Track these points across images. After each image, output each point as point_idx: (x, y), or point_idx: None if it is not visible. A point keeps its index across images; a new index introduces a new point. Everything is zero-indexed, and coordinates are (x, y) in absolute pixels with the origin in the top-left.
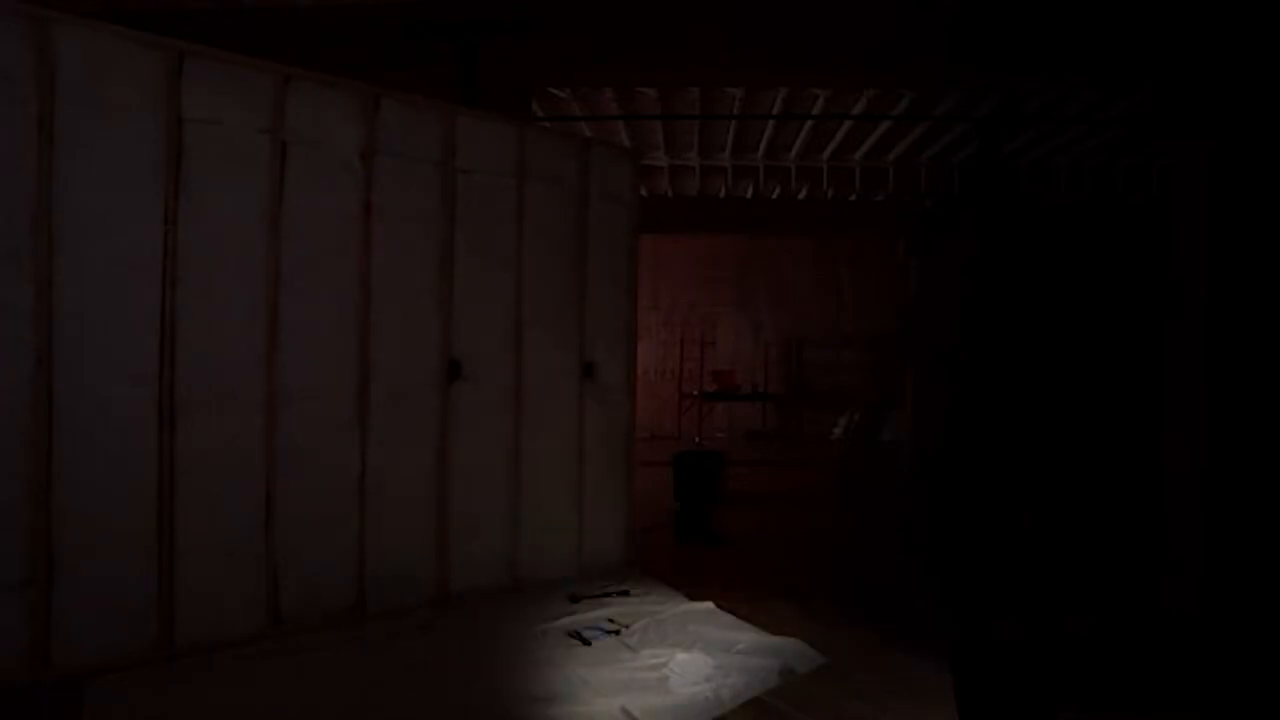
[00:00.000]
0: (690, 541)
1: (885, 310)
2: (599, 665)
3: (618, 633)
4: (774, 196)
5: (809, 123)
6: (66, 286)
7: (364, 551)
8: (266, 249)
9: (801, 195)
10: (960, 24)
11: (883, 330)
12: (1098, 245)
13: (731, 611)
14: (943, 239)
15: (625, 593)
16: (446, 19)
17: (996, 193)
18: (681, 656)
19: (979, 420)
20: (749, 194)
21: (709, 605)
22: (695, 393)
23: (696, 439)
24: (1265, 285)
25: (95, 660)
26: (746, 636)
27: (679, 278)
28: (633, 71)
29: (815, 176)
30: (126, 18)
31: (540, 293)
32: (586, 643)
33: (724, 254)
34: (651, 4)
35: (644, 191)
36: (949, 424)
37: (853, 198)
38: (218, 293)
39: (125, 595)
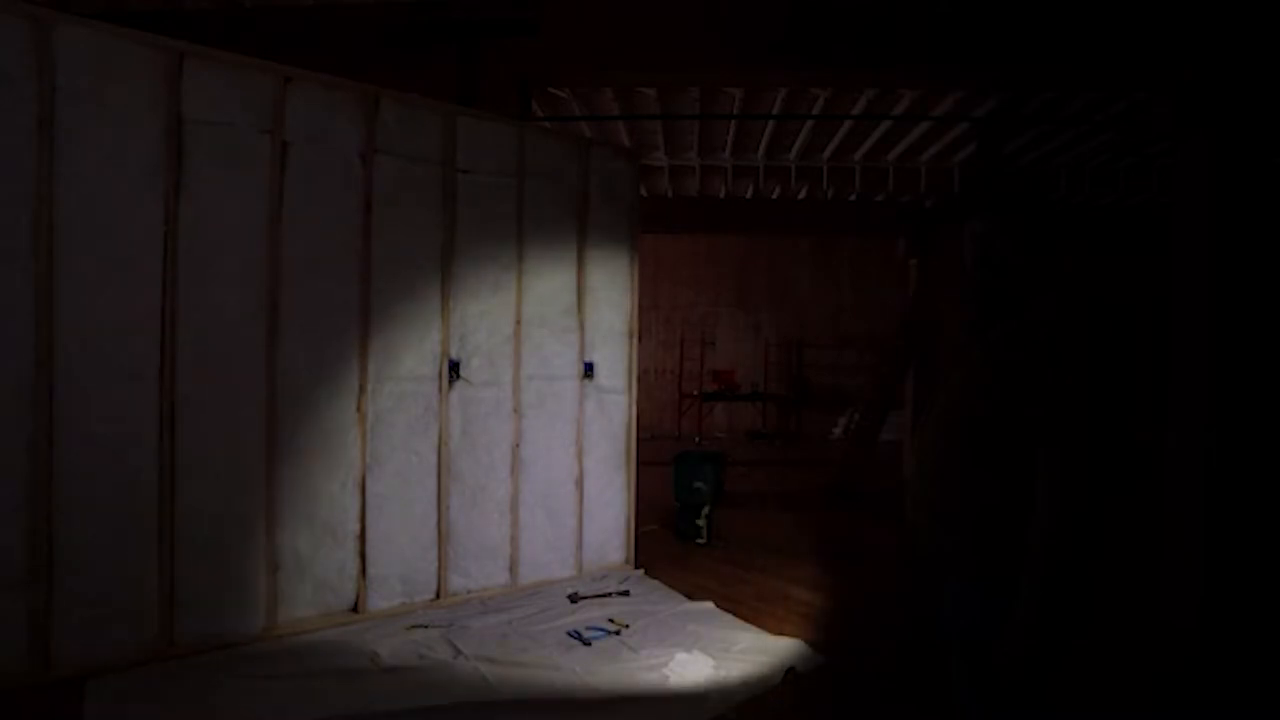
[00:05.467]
0: (690, 541)
1: (885, 310)
2: (599, 665)
3: (618, 633)
4: (774, 196)
5: (809, 123)
6: (66, 286)
7: (365, 550)
8: (268, 248)
9: (801, 195)
10: (961, 24)
11: (883, 330)
12: (1098, 245)
13: (731, 611)
14: (943, 239)
15: (625, 593)
16: (446, 19)
17: (997, 193)
18: (681, 656)
19: (982, 421)
20: (749, 194)
21: (709, 605)
22: (695, 393)
23: (696, 439)
24: (1265, 286)
25: (95, 660)
26: (746, 636)
27: (679, 278)
28: (633, 71)
29: (815, 176)
30: (126, 18)
31: (540, 293)
32: (586, 643)
33: (724, 254)
34: (651, 4)
35: (644, 191)
36: (950, 425)
37: (853, 198)
38: (218, 292)
39: (125, 595)
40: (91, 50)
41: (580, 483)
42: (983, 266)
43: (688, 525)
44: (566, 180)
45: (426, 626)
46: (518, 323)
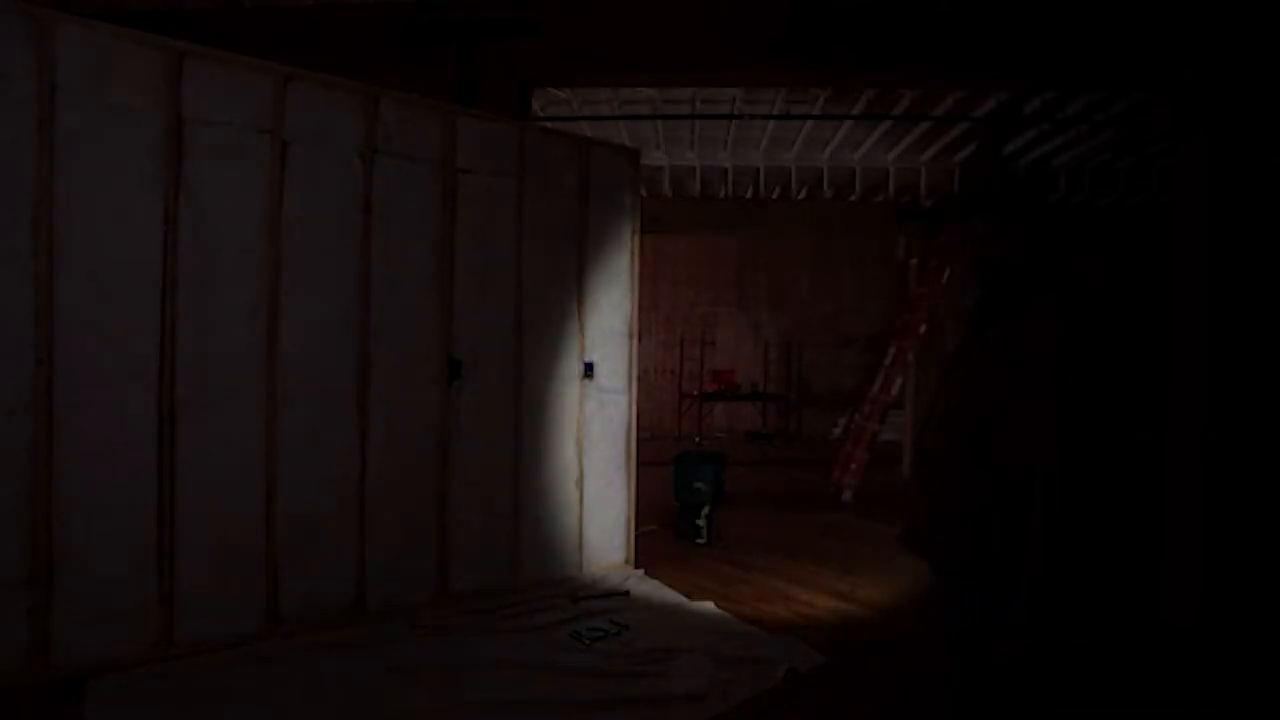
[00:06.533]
0: (690, 541)
1: (885, 310)
2: (599, 665)
3: (618, 633)
4: (774, 196)
5: (809, 123)
6: (66, 286)
7: (364, 551)
8: (267, 249)
9: (801, 195)
10: (961, 24)
11: (883, 330)
12: (1098, 245)
13: (731, 611)
14: (942, 239)
15: (625, 593)
16: (446, 19)
17: (997, 193)
18: (681, 656)
19: (982, 420)
20: (749, 194)
21: (709, 605)
22: (695, 393)
23: (696, 439)
24: (1266, 286)
25: (95, 660)
26: (746, 636)
27: (679, 278)
28: (632, 71)
29: (815, 176)
30: (126, 18)
31: (540, 293)
32: (586, 643)
33: (724, 254)
34: (651, 4)
35: (644, 191)
36: (950, 425)
37: (853, 198)
38: (218, 293)
39: (125, 595)
40: (91, 50)
41: (580, 483)
42: (983, 267)
43: (688, 525)
44: (566, 180)
45: (427, 626)
46: (517, 322)
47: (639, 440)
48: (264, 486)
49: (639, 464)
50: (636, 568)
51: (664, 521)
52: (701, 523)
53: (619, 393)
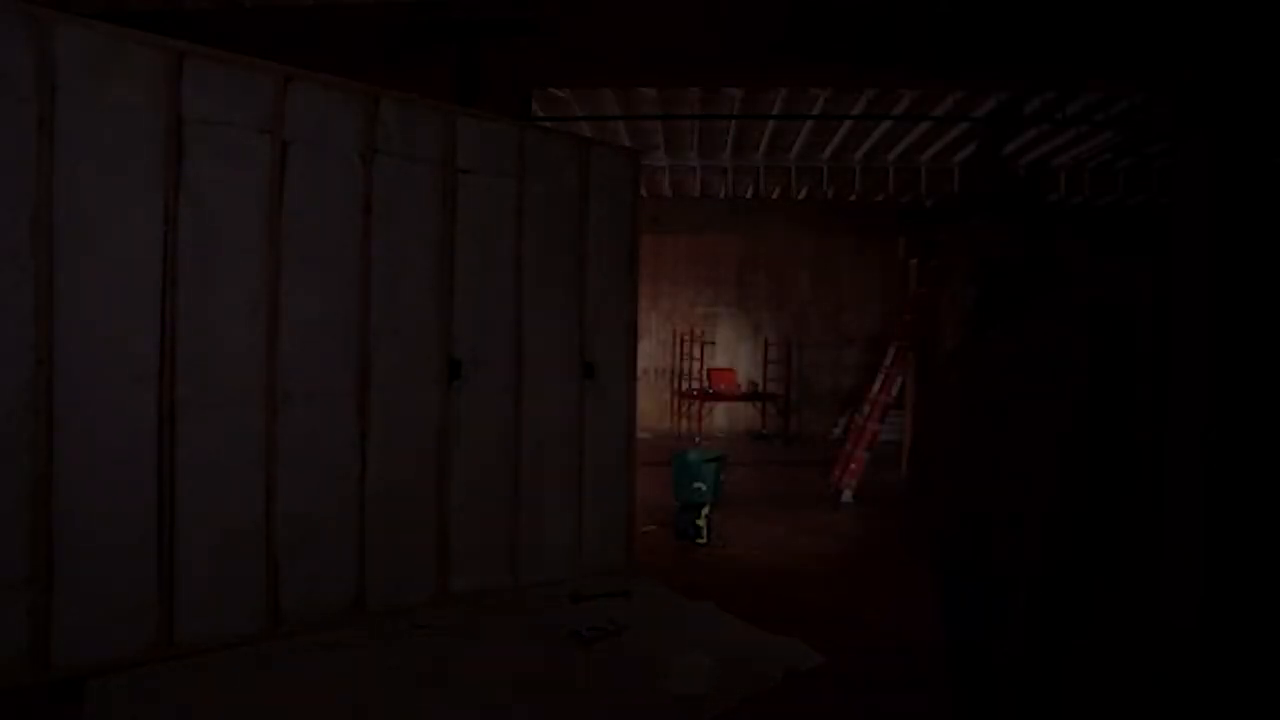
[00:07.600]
0: (690, 541)
1: (885, 310)
2: (598, 665)
3: (618, 633)
4: (774, 196)
5: (809, 123)
6: (66, 286)
7: (364, 551)
8: (267, 249)
9: (801, 195)
10: (961, 24)
11: (883, 330)
12: (1098, 245)
13: (731, 611)
14: (943, 239)
15: (625, 593)
16: (446, 19)
17: (997, 193)
18: (681, 656)
19: (982, 421)
20: (749, 194)
21: (709, 605)
22: (695, 393)
23: (696, 439)
24: (1266, 286)
25: (95, 660)
26: (746, 636)
27: (679, 278)
28: (633, 71)
29: (815, 176)
30: (126, 18)
31: (540, 293)
32: (587, 643)
33: (724, 254)
34: (651, 4)
35: (644, 191)
36: (950, 425)
37: (853, 198)
38: (218, 293)
39: (125, 595)
40: (91, 50)
41: (580, 482)
42: (983, 267)
43: (688, 525)
44: (566, 180)
45: (427, 626)
46: (517, 322)
47: (639, 440)
48: (264, 486)
49: (639, 464)
50: (636, 568)
51: (664, 521)
52: (701, 523)
53: (619, 393)
